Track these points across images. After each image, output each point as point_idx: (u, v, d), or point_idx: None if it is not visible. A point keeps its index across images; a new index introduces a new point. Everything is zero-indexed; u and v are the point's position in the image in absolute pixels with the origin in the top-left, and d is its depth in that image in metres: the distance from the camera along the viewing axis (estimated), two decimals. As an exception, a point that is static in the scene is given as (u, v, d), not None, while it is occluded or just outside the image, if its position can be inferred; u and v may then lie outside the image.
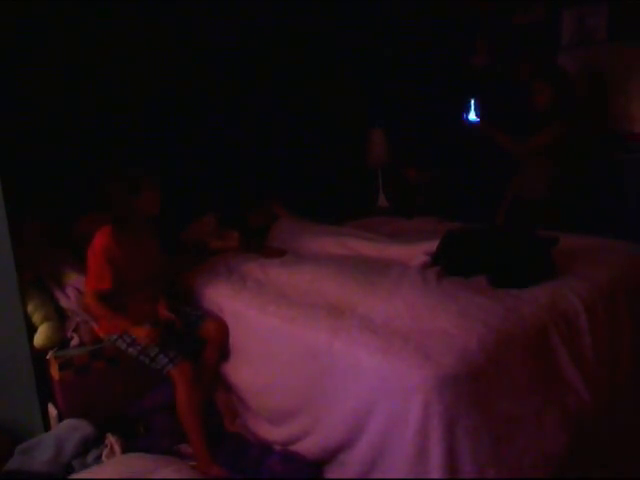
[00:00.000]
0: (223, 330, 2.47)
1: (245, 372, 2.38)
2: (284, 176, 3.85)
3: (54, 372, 2.41)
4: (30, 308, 2.46)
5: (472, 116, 3.36)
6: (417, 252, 2.61)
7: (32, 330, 2.44)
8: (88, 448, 2.28)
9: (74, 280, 2.61)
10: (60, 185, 2.96)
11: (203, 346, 2.47)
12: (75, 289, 2.58)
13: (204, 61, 3.57)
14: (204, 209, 3.42)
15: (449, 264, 2.42)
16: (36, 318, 2.46)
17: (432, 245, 2.55)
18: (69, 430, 2.30)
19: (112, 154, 3.09)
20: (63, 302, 2.57)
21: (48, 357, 2.44)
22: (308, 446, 2.07)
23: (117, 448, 2.26)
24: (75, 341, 2.50)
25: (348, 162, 4.21)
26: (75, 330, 2.52)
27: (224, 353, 2.48)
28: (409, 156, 4.29)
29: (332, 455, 1.99)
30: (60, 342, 2.48)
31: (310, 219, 3.52)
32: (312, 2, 3.90)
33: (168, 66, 3.42)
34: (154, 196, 2.41)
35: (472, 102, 3.35)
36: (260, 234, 3.42)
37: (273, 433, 2.25)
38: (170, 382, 2.31)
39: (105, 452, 2.25)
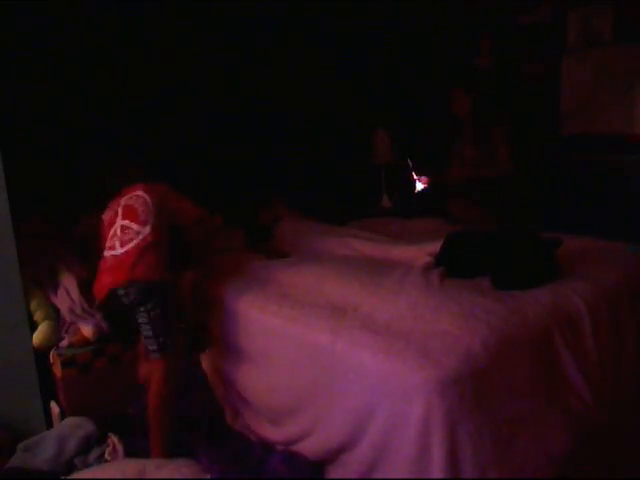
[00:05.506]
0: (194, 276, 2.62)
1: (247, 372, 2.38)
2: (288, 176, 3.85)
3: (57, 370, 2.42)
4: (33, 306, 2.47)
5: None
6: (420, 253, 2.61)
7: (34, 328, 2.45)
8: (90, 446, 2.28)
9: (65, 279, 2.57)
10: (62, 183, 2.96)
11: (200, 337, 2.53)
12: (64, 289, 2.55)
13: (208, 59, 3.58)
14: (208, 208, 3.42)
15: (452, 265, 2.42)
16: (37, 316, 2.47)
17: (435, 246, 2.54)
18: (71, 428, 2.31)
19: (114, 153, 3.09)
20: (54, 301, 2.54)
21: (51, 355, 2.45)
22: (310, 446, 2.07)
23: (119, 447, 2.26)
24: (64, 342, 2.47)
25: (352, 162, 4.20)
26: (67, 331, 2.51)
27: (225, 349, 2.50)
28: (413, 156, 4.28)
29: (334, 455, 1.99)
30: (59, 341, 2.49)
31: (314, 219, 3.52)
32: (317, 2, 3.91)
33: (171, 64, 3.42)
34: None
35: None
36: (265, 233, 3.42)
37: (275, 433, 2.25)
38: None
39: (107, 451, 2.26)
